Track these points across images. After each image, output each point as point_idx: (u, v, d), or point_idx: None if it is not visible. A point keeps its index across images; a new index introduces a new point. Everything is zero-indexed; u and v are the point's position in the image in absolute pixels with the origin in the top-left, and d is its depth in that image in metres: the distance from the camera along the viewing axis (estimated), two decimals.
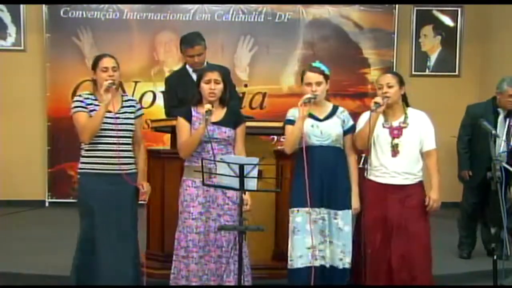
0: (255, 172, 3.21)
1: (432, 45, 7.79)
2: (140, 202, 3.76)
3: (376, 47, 7.63)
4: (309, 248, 3.55)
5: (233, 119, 3.65)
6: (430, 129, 3.74)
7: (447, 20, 7.78)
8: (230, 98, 3.75)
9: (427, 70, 7.82)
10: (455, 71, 7.80)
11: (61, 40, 7.34)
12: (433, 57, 7.80)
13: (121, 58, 3.73)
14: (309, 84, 3.59)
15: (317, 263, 3.55)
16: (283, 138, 3.86)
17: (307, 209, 3.54)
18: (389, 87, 3.64)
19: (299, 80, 3.77)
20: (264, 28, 7.47)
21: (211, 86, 3.56)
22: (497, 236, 4.43)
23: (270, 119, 5.50)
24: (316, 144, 3.59)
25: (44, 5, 7.31)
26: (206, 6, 7.41)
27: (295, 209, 3.61)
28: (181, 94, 4.33)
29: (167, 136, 4.83)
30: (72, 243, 3.72)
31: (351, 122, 3.71)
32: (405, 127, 3.67)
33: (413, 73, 7.73)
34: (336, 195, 3.60)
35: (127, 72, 6.79)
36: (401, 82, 3.70)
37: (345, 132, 3.68)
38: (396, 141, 3.65)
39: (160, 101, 7.09)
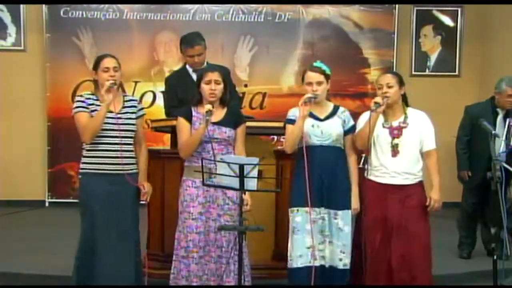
0: (255, 172, 3.21)
1: (432, 45, 7.80)
2: (141, 202, 3.76)
3: (376, 47, 7.63)
4: (308, 248, 3.55)
5: (233, 119, 3.65)
6: (430, 129, 3.74)
7: (447, 20, 7.78)
8: (230, 98, 3.75)
9: (427, 70, 7.83)
10: (455, 71, 7.80)
11: (61, 40, 7.34)
12: (433, 57, 7.81)
13: (121, 58, 3.72)
14: (310, 83, 3.59)
15: (317, 263, 3.55)
16: (283, 138, 3.86)
17: (307, 208, 3.54)
18: (389, 87, 3.64)
19: (299, 80, 3.78)
20: (264, 28, 7.47)
21: (212, 87, 3.56)
22: (497, 236, 4.44)
23: (270, 119, 5.51)
24: (316, 144, 3.59)
25: (44, 5, 7.32)
26: (206, 6, 7.41)
27: (295, 208, 3.61)
28: (181, 94, 4.32)
29: (167, 136, 4.83)
30: (72, 243, 3.72)
31: (351, 122, 3.71)
32: (405, 127, 3.67)
33: (413, 73, 7.74)
34: (336, 195, 3.60)
35: (127, 72, 6.74)
36: (401, 82, 3.70)
37: (346, 132, 3.68)
38: (396, 141, 3.65)
39: (160, 101, 7.09)
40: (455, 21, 7.75)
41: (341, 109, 3.73)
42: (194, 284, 3.54)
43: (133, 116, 3.68)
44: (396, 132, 3.66)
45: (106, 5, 7.33)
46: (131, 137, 3.66)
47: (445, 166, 4.08)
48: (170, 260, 3.67)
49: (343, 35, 7.59)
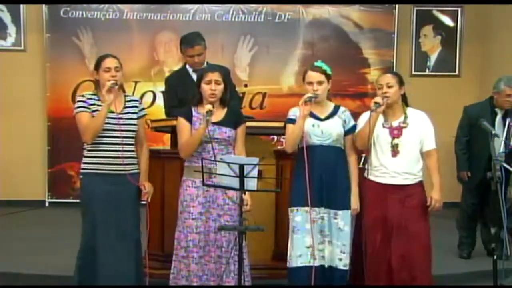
0: (255, 172, 3.21)
1: (432, 45, 7.80)
2: (142, 202, 3.76)
3: (376, 47, 7.63)
4: (308, 247, 3.55)
5: (233, 119, 3.65)
6: (430, 129, 3.74)
7: (447, 20, 7.78)
8: (231, 98, 3.75)
9: (427, 70, 7.83)
10: (455, 71, 7.80)
11: (61, 40, 7.34)
12: (433, 57, 7.81)
13: (121, 58, 3.72)
14: (311, 83, 3.59)
15: (317, 263, 3.55)
16: (283, 138, 3.86)
17: (307, 208, 3.54)
18: (389, 87, 3.64)
19: (299, 80, 3.79)
20: (264, 28, 7.47)
21: (212, 87, 3.56)
22: (497, 236, 4.43)
23: (270, 119, 5.51)
24: (316, 144, 3.59)
25: (44, 5, 7.32)
26: (206, 6, 7.42)
27: (295, 208, 3.61)
28: (181, 94, 4.32)
29: (167, 136, 4.83)
30: (72, 243, 3.72)
31: (352, 122, 3.71)
32: (405, 127, 3.67)
33: (413, 73, 7.74)
34: (336, 195, 3.60)
35: (127, 72, 6.67)
36: (400, 82, 3.70)
37: (346, 132, 3.67)
38: (396, 141, 3.65)
39: (160, 101, 7.09)
40: (455, 21, 7.76)
41: (342, 109, 3.73)
42: (194, 284, 3.54)
43: (135, 116, 3.67)
44: (396, 132, 3.66)
45: (106, 5, 7.34)
46: (132, 137, 3.66)
47: (445, 166, 4.08)
48: (170, 260, 3.67)
49: (343, 35, 7.60)
